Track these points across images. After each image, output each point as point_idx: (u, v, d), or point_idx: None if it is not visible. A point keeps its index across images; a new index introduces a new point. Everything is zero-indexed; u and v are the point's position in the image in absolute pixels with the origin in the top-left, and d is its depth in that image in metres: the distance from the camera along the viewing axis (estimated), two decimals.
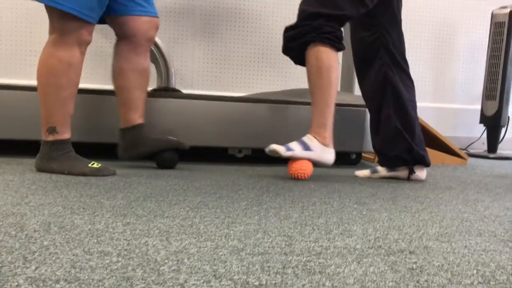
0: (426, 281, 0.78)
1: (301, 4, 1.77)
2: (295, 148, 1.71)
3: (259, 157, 2.26)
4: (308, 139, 1.73)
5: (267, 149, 1.73)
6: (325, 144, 1.74)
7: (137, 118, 1.80)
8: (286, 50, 1.81)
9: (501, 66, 2.93)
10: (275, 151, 1.71)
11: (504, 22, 2.91)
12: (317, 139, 1.73)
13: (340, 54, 2.97)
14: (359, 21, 1.89)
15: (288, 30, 1.78)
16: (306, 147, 1.72)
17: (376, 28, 1.85)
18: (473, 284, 0.78)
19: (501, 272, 0.85)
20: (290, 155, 1.70)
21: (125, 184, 1.48)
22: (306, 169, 1.73)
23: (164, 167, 1.86)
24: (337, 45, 1.72)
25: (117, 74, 1.77)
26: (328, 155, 1.75)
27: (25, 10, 2.84)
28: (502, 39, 2.92)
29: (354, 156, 2.26)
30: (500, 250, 0.98)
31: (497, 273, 0.84)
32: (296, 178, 1.74)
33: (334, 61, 1.72)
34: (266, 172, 1.90)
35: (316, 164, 1.76)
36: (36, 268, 0.74)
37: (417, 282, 0.78)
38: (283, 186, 1.59)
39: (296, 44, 1.74)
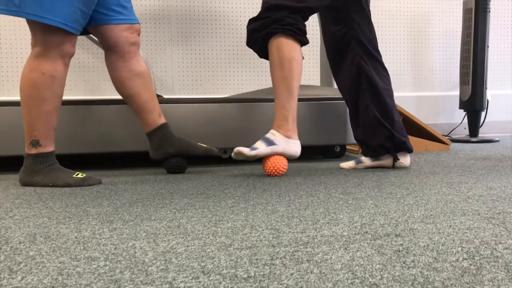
0: (413, 261, 0.79)
1: None
2: (259, 146, 1.71)
3: None
4: (271, 134, 1.73)
5: (232, 154, 1.74)
6: (288, 136, 1.73)
7: (157, 118, 1.80)
8: (250, 43, 1.81)
9: (472, 51, 2.98)
10: (240, 153, 1.70)
11: (472, 8, 2.97)
12: (280, 132, 1.73)
13: (318, 49, 2.99)
14: (329, 16, 1.91)
15: (251, 22, 1.78)
16: (270, 142, 1.71)
17: (345, 21, 1.87)
18: (458, 260, 0.79)
19: (485, 247, 0.86)
20: (254, 154, 1.70)
21: (110, 192, 1.47)
22: (279, 165, 1.72)
23: (173, 172, 1.86)
24: (300, 38, 1.72)
25: (118, 85, 1.77)
26: (293, 146, 1.74)
27: (6, 24, 2.81)
28: (471, 25, 2.97)
29: (338, 149, 2.27)
30: (483, 227, 1.00)
31: (481, 248, 0.86)
32: (273, 175, 1.74)
33: (296, 53, 1.72)
34: (252, 171, 1.91)
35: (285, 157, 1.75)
36: (22, 278, 0.74)
37: (404, 263, 0.79)
38: (269, 183, 1.60)
39: (259, 36, 1.74)
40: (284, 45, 1.70)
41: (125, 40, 1.71)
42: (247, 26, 1.80)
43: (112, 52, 1.73)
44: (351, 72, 1.88)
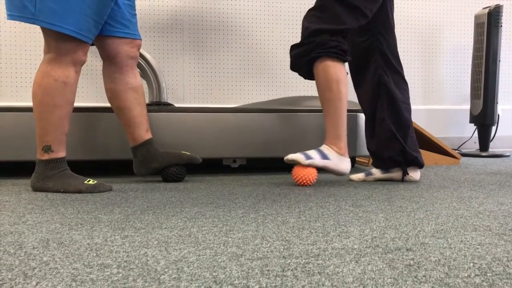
0: (424, 276, 0.79)
1: (304, 22, 1.80)
2: (314, 156, 1.75)
3: (254, 167, 2.27)
4: (325, 148, 1.78)
5: (285, 158, 1.77)
6: (341, 154, 1.78)
7: (144, 134, 1.81)
8: (294, 68, 1.85)
9: (484, 65, 2.98)
10: (294, 160, 1.75)
11: (484, 22, 2.97)
12: (333, 149, 1.77)
13: None
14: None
15: (294, 48, 1.82)
16: (324, 156, 1.76)
17: (370, 32, 1.89)
18: (470, 276, 0.79)
19: (497, 263, 0.86)
20: (309, 163, 1.74)
21: (121, 199, 1.49)
22: (311, 175, 1.76)
23: (170, 181, 1.87)
24: (343, 58, 1.76)
25: (111, 96, 1.79)
26: (344, 164, 1.79)
27: (21, 31, 2.86)
28: (483, 39, 2.98)
29: None
30: (495, 243, 0.99)
31: (493, 264, 0.85)
32: (301, 185, 1.76)
33: (341, 74, 1.76)
34: (262, 181, 1.91)
35: (332, 172, 1.80)
36: (36, 284, 0.75)
37: (415, 277, 0.79)
38: (279, 193, 1.60)
39: (304, 61, 1.78)
40: (330, 67, 1.74)
41: (125, 53, 1.74)
42: (290, 52, 1.83)
43: (111, 63, 1.75)
44: (372, 83, 1.89)
